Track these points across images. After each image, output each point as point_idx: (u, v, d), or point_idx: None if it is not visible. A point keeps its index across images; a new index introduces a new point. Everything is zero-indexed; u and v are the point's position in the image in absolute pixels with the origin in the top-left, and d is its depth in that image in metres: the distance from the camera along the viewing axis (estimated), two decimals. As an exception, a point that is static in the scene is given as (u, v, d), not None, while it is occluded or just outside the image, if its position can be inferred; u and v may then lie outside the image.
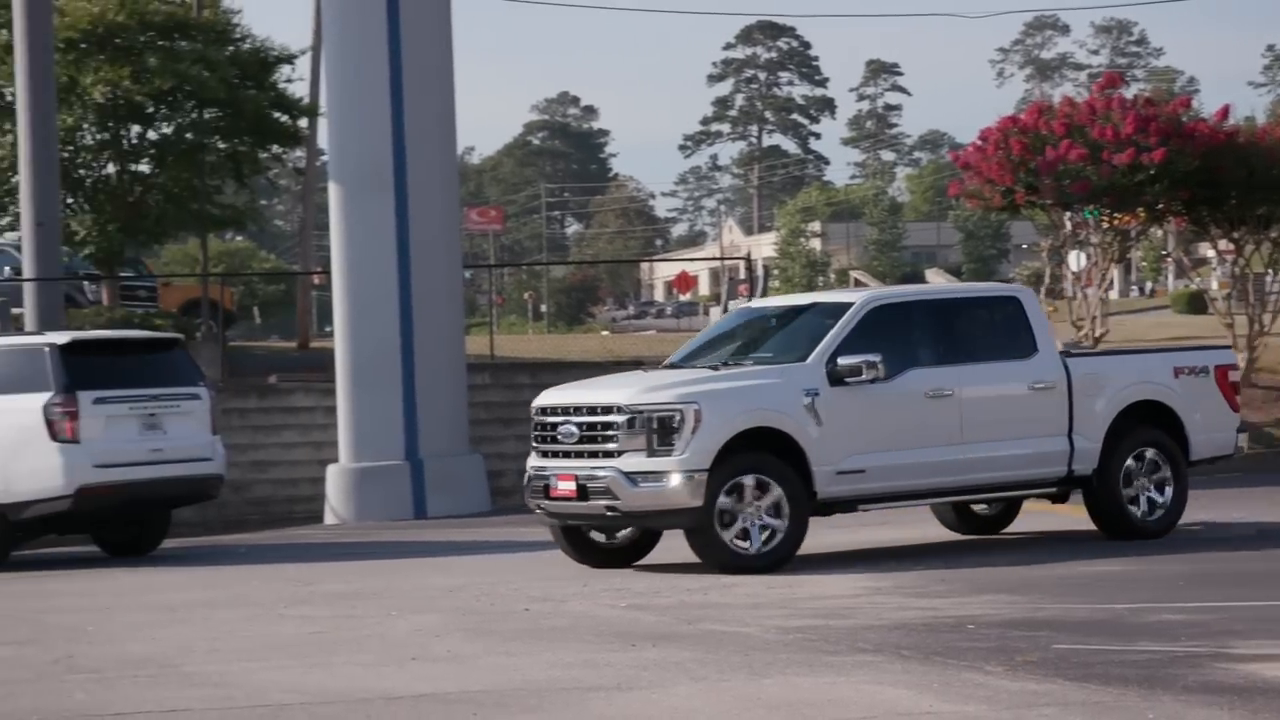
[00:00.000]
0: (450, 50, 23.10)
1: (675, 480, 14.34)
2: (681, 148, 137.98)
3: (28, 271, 24.29)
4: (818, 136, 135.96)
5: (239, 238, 76.35)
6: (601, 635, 11.44)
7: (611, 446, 14.53)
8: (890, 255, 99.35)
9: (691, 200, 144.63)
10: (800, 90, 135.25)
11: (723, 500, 14.47)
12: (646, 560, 16.06)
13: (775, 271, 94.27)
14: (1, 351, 18.46)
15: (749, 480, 14.53)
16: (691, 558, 16.18)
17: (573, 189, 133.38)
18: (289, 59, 33.02)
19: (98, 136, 31.34)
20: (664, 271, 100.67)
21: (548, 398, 15.33)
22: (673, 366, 15.93)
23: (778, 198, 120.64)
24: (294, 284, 49.18)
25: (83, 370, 17.85)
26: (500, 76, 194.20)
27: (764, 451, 14.64)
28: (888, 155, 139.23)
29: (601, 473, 14.49)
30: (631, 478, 14.40)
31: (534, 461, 15.17)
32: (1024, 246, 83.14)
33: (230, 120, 31.68)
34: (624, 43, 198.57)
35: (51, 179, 24.20)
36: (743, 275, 38.39)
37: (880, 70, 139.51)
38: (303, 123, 34.68)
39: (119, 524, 19.04)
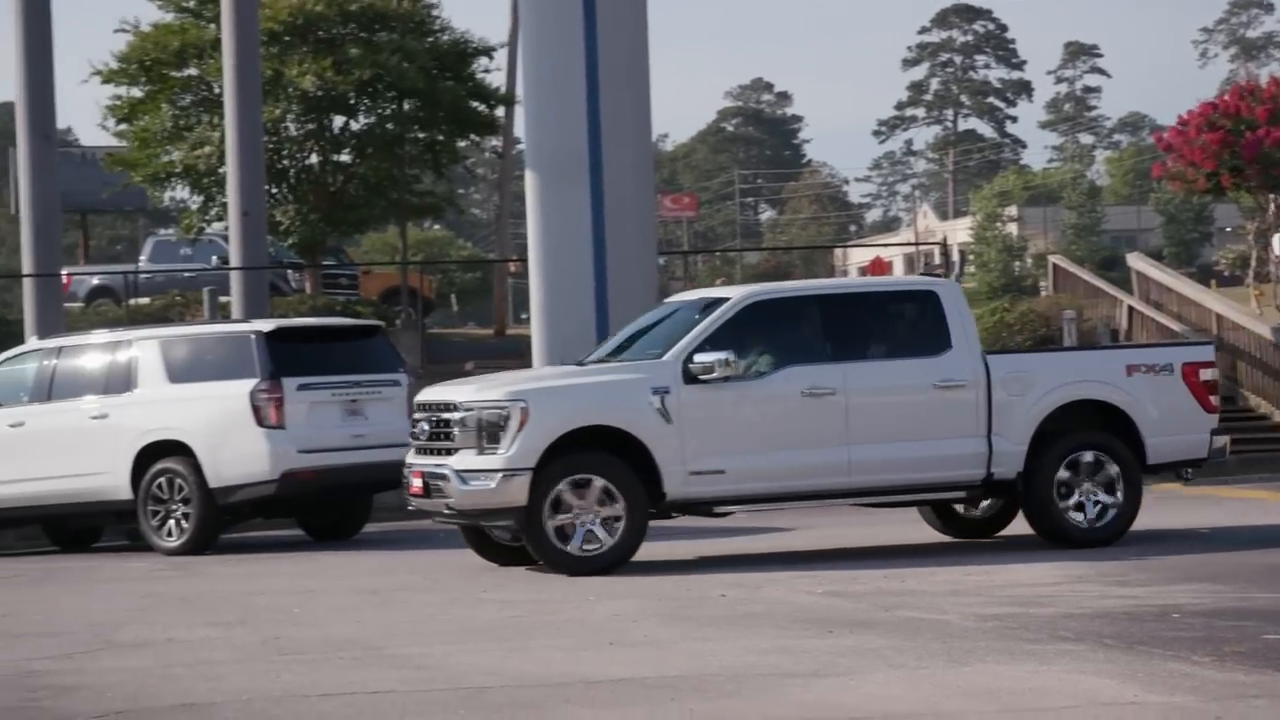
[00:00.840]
0: (645, 39, 23.18)
1: (498, 479, 14.23)
2: (875, 133, 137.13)
3: (234, 260, 24.84)
4: (1014, 120, 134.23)
5: (437, 226, 77.28)
6: (798, 621, 11.43)
7: (451, 444, 14.55)
8: (1089, 239, 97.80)
9: (885, 185, 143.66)
10: (997, 73, 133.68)
11: (552, 500, 14.28)
12: (834, 545, 16.02)
13: (971, 257, 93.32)
14: (209, 339, 18.91)
15: (579, 480, 14.30)
16: (886, 541, 16.12)
17: (766, 175, 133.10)
18: (487, 51, 33.39)
19: (301, 128, 31.95)
20: (858, 257, 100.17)
21: (420, 394, 15.50)
22: (579, 364, 15.56)
23: (973, 182, 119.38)
24: (491, 272, 49.69)
25: (287, 357, 18.21)
26: (694, 64, 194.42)
27: (603, 451, 14.36)
28: (1086, 138, 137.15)
29: (440, 470, 14.52)
30: (462, 475, 14.36)
31: (407, 457, 15.39)
32: (1228, 230, 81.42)
33: (429, 110, 32.11)
34: (818, 28, 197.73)
35: (257, 170, 24.72)
36: (938, 260, 37.95)
37: (1079, 52, 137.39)
38: (499, 112, 35.04)
39: (322, 508, 19.40)
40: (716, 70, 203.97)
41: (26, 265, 24.36)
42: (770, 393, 14.62)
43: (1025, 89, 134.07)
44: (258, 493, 18.09)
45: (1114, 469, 15.04)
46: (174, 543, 18.24)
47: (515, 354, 27.32)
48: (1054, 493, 14.95)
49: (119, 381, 18.72)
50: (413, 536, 19.66)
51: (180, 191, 34.46)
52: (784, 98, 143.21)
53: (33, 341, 21.35)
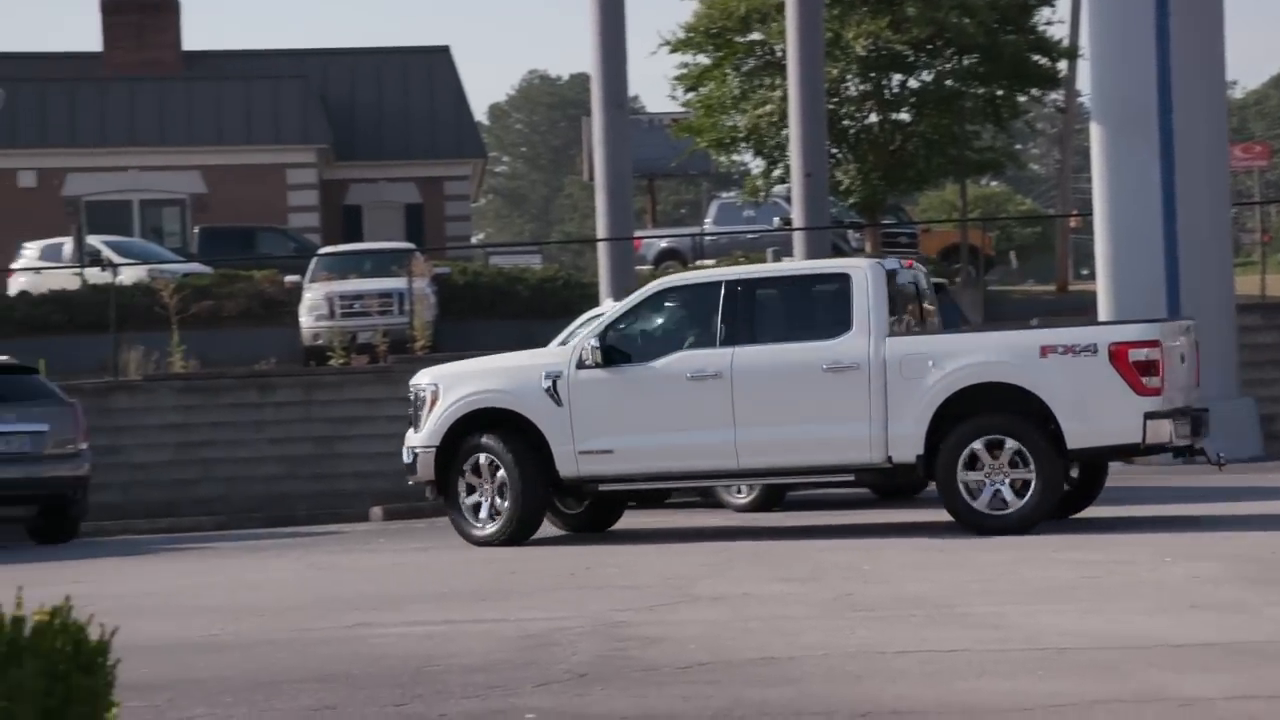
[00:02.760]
0: (1219, -19, 22.35)
1: (414, 456, 15.80)
2: None
3: (797, 221, 25.16)
4: None
5: (995, 183, 76.51)
6: (1395, 589, 10.84)
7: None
8: None
9: None
10: None
11: (462, 478, 15.59)
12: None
13: None
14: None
15: (479, 459, 15.52)
16: None
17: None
18: (1049, 1, 32.79)
19: (860, 87, 32.09)
20: None
21: None
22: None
23: None
24: (1051, 227, 48.89)
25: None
26: (1267, 4, 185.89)
27: (503, 431, 15.41)
28: None
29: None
30: (404, 451, 16.03)
31: None
32: None
33: (989, 65, 31.77)
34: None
35: (819, 131, 24.95)
36: None
37: None
38: (1061, 65, 34.38)
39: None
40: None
41: (601, 230, 25.26)
42: (657, 377, 15.25)
43: None
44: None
45: (1027, 453, 14.36)
46: (743, 500, 18.63)
47: (1078, 310, 26.79)
48: (955, 477, 14.56)
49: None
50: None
51: (743, 155, 35.12)
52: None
53: (607, 303, 22.15)
